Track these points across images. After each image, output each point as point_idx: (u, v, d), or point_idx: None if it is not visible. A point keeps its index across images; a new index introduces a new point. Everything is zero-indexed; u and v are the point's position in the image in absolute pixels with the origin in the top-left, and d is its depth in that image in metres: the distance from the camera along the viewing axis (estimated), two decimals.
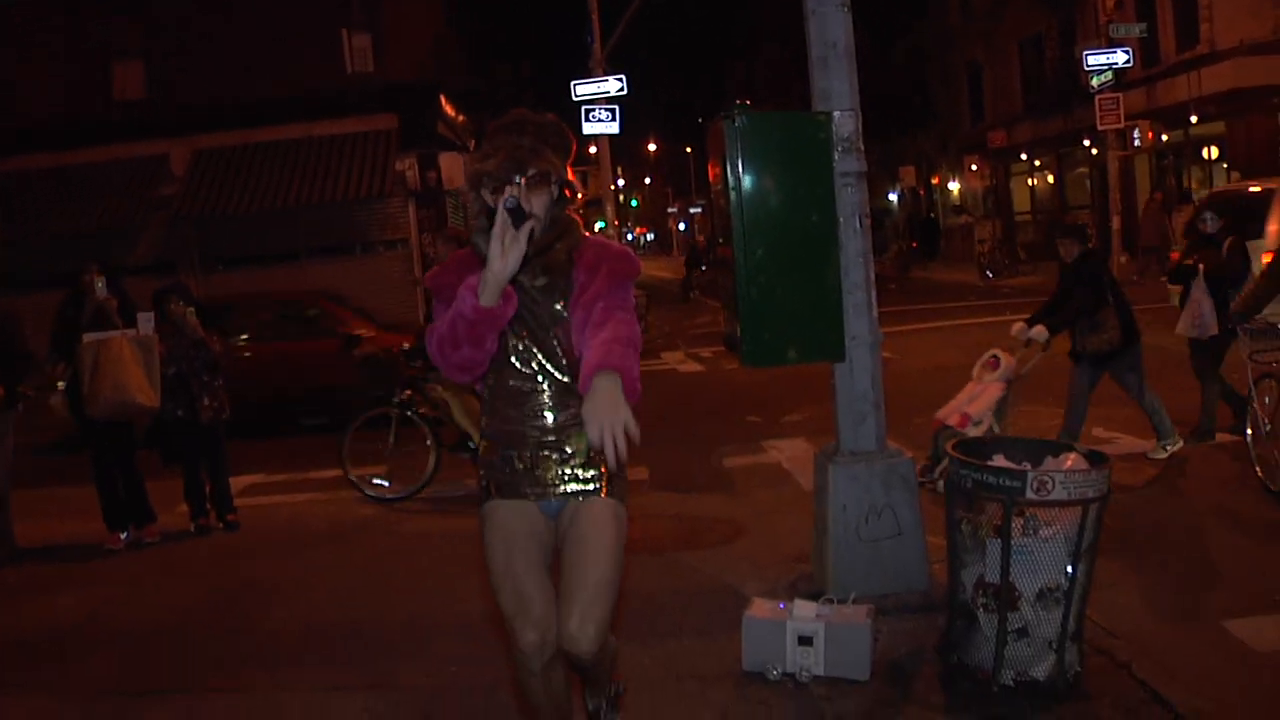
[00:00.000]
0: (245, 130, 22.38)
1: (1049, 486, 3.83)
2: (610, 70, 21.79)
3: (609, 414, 2.64)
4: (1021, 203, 35.79)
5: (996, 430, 7.29)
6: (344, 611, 5.59)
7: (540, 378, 3.05)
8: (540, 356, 3.05)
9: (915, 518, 4.95)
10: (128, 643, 5.31)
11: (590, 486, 3.07)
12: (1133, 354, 7.41)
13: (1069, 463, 4.06)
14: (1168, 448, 7.53)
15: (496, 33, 35.65)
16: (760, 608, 4.37)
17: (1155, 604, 5.00)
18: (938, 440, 7.11)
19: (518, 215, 2.75)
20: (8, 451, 7.21)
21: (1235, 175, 23.25)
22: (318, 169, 21.94)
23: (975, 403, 7.32)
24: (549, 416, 3.06)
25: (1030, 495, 3.83)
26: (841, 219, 4.80)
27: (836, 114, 4.71)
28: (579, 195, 3.11)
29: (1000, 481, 3.89)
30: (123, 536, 7.22)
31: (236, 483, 8.01)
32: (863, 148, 4.83)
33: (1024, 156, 34.66)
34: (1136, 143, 23.85)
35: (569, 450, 3.06)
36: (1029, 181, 35.40)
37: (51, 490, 9.17)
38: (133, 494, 7.30)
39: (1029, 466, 4.01)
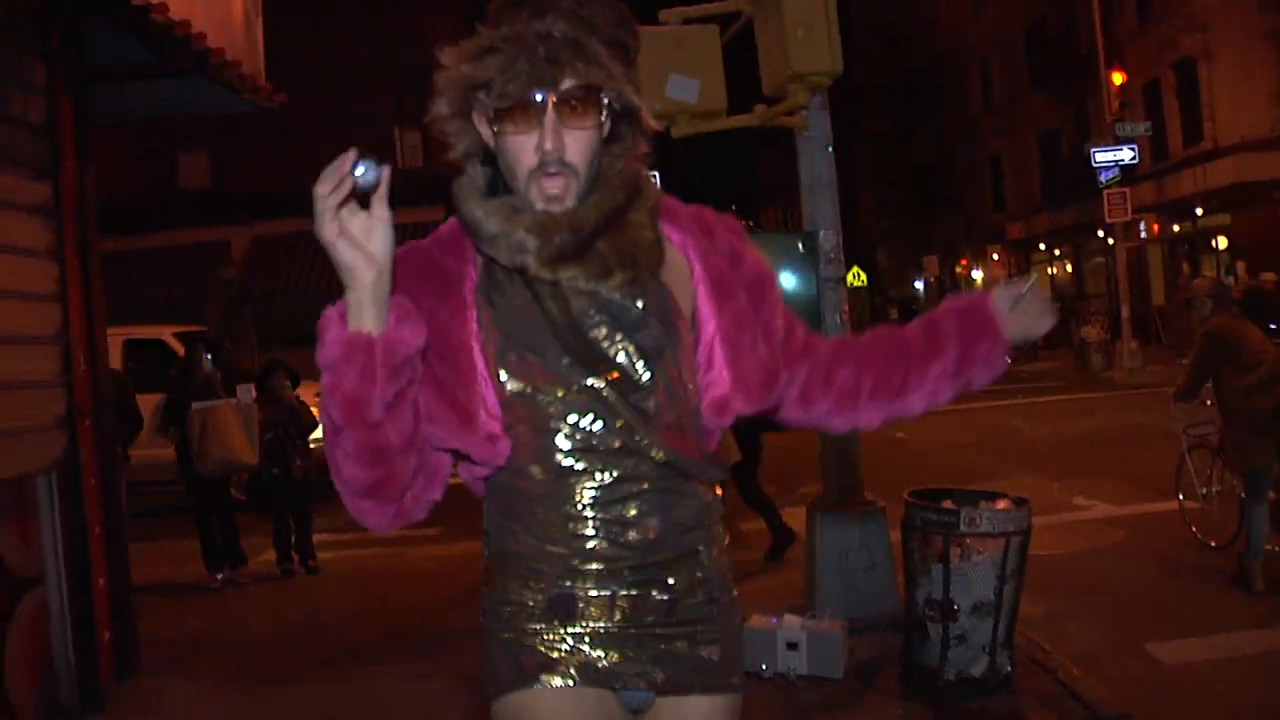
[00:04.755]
0: (301, 219, 23.84)
1: (978, 522, 4.95)
2: (652, 166, 23.21)
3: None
4: (1041, 291, 36.84)
5: None
6: (418, 626, 6.75)
7: (629, 455, 1.76)
8: (629, 417, 1.75)
9: (886, 554, 6.07)
10: (246, 648, 6.54)
11: (715, 657, 1.86)
12: None
13: (1000, 505, 5.19)
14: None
15: None
16: (757, 620, 5.47)
17: (1093, 631, 6.03)
18: None
19: (372, 184, 1.54)
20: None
21: (1243, 265, 24.37)
22: None
23: None
24: (652, 524, 1.78)
25: (964, 528, 4.95)
26: (825, 313, 6.00)
27: (821, 232, 5.94)
28: (649, 130, 1.82)
29: (941, 518, 5.02)
30: (219, 576, 8.40)
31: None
32: (843, 258, 6.04)
33: (1043, 246, 35.87)
34: (1143, 234, 25.00)
35: (674, 583, 1.81)
36: (1049, 270, 36.54)
37: (145, 544, 10.37)
38: (228, 539, 8.48)
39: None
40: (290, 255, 23.72)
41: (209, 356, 8.42)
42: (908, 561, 5.25)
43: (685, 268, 1.87)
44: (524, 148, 1.70)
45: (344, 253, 1.55)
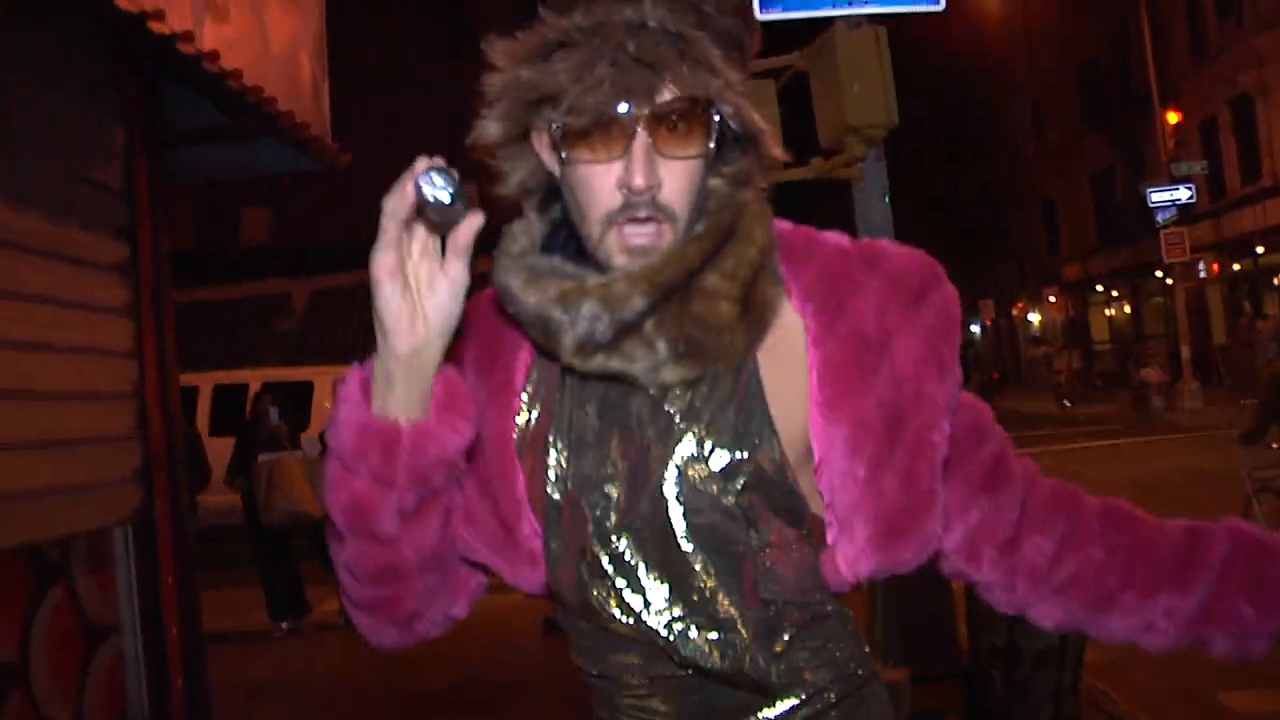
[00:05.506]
0: (359, 272, 24.33)
1: None
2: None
3: None
4: (1100, 332, 36.53)
5: None
6: (482, 676, 6.81)
7: (653, 640, 1.29)
8: (667, 578, 1.28)
9: (950, 602, 6.04)
10: (309, 696, 6.66)
11: None
12: None
13: None
14: None
15: None
16: None
17: (1162, 679, 5.96)
18: None
19: (442, 206, 1.15)
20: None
21: None
22: None
23: None
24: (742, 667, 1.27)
25: None
26: None
27: None
28: (772, 159, 1.35)
29: None
30: (283, 625, 8.53)
31: None
32: None
33: (1100, 288, 35.55)
34: (1202, 274, 24.74)
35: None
36: (1106, 312, 36.18)
37: (210, 593, 10.58)
38: (292, 589, 8.62)
39: None
40: (349, 309, 24.10)
41: (276, 412, 8.60)
42: (971, 609, 5.24)
43: (801, 343, 1.31)
44: (602, 183, 1.25)
45: (389, 298, 1.18)
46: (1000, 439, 1.42)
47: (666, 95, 1.22)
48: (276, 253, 24.77)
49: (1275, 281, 26.45)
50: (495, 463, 1.35)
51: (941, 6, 5.85)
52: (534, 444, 1.35)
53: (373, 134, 23.46)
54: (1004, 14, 36.83)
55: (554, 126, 1.25)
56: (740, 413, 1.29)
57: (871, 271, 1.32)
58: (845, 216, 6.81)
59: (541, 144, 1.32)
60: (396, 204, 1.16)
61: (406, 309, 1.20)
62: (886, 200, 5.96)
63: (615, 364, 1.25)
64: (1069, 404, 27.62)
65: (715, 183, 1.33)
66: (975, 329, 45.29)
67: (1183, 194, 22.93)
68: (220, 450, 9.25)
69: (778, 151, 1.34)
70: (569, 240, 1.35)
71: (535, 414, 1.37)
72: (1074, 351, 35.13)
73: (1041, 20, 36.06)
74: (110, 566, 5.05)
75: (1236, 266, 27.14)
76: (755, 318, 1.28)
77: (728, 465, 1.28)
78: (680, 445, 1.29)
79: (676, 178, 1.25)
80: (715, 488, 1.28)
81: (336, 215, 23.97)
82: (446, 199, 1.15)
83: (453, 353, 1.29)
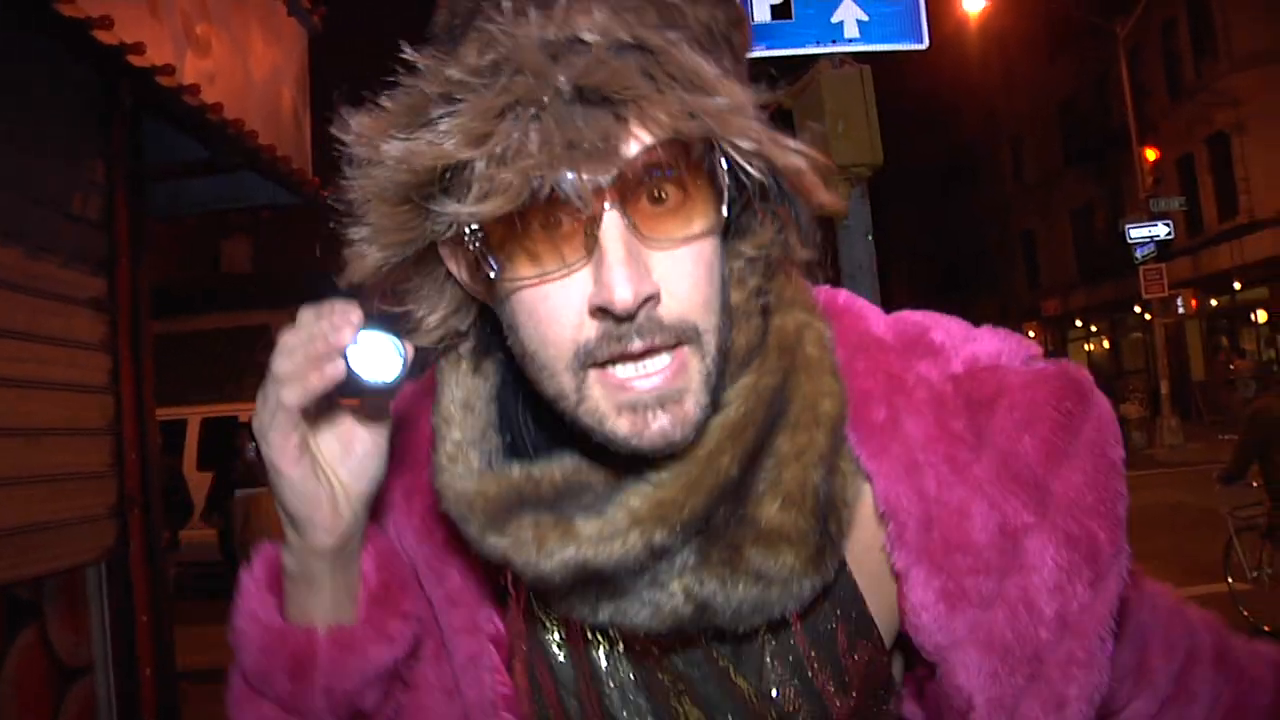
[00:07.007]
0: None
1: None
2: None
3: None
4: None
5: None
6: None
7: None
8: None
9: None
10: None
11: None
12: None
13: None
14: None
15: None
16: None
17: None
18: None
19: (383, 388, 0.82)
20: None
21: None
22: None
23: None
24: None
25: None
26: None
27: None
28: (816, 205, 0.89)
29: None
30: None
31: None
32: None
33: (1079, 323, 35.79)
34: (1181, 310, 24.92)
35: None
36: (1085, 347, 36.41)
37: (187, 628, 10.41)
38: None
39: None
40: None
41: (253, 446, 8.52)
42: None
43: (882, 540, 0.92)
44: (562, 309, 0.82)
45: (297, 485, 0.85)
46: (1196, 649, 1.11)
47: (637, 145, 0.79)
48: (258, 284, 24.70)
49: (1252, 318, 26.70)
50: (466, 670, 1.01)
51: (926, 45, 5.85)
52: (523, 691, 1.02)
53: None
54: (985, 53, 37.20)
55: (466, 230, 0.80)
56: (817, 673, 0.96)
57: (984, 437, 0.90)
58: (829, 254, 6.83)
59: (457, 260, 0.88)
60: (305, 376, 0.80)
61: (324, 493, 0.87)
62: (869, 238, 5.97)
63: (604, 615, 0.89)
64: None
65: (757, 276, 0.89)
66: None
67: (1161, 230, 23.08)
68: (208, 485, 9.19)
69: (827, 197, 0.88)
70: (536, 406, 0.91)
71: (528, 663, 1.02)
72: None
73: (1022, 59, 36.44)
74: (83, 606, 4.97)
75: (1214, 302, 27.39)
76: (832, 544, 0.89)
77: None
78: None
79: (683, 273, 0.82)
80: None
81: (318, 246, 23.92)
82: (391, 377, 0.79)
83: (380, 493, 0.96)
